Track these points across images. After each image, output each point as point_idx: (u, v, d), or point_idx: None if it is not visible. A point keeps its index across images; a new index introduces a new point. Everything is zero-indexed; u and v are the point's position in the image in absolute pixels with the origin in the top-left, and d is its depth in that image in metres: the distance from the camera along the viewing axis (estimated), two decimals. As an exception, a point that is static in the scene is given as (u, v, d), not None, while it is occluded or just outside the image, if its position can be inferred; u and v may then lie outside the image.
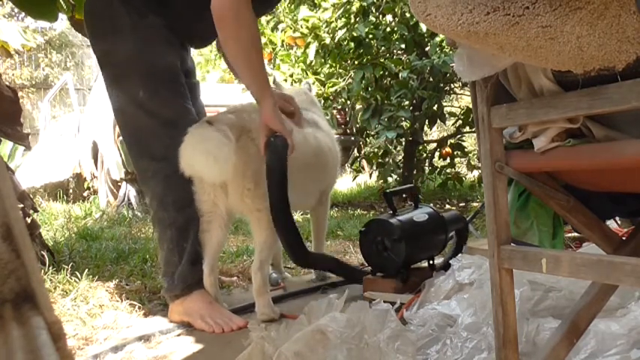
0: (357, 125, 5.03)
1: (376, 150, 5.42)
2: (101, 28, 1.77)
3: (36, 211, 2.70)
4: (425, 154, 5.52)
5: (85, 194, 5.52)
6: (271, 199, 1.63)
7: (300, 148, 1.84)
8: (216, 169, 1.57)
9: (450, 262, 1.70)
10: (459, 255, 1.85)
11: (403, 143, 5.20)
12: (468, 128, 5.11)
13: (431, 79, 4.41)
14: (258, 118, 1.75)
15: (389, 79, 4.74)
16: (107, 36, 1.77)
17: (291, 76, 4.70)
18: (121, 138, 4.55)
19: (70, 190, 5.57)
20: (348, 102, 4.78)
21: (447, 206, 4.87)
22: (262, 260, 1.73)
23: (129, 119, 1.78)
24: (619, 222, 2.15)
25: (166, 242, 1.76)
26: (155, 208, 1.79)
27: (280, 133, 1.62)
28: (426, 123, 4.64)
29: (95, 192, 5.31)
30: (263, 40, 4.82)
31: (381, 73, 4.63)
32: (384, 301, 1.38)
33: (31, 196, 3.44)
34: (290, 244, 1.70)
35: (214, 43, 2.08)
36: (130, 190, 4.70)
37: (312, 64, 4.69)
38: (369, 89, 4.56)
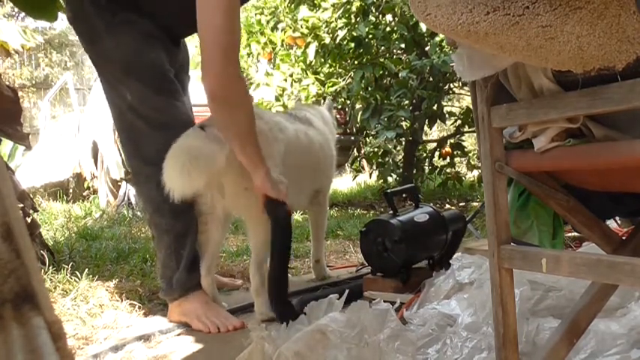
0: (357, 125, 5.03)
1: (376, 150, 5.42)
2: (83, 31, 1.73)
3: (36, 211, 2.70)
4: (425, 154, 5.52)
5: (85, 194, 5.52)
6: (273, 269, 1.64)
7: (291, 144, 1.83)
8: (183, 183, 1.54)
9: (451, 261, 1.70)
10: (459, 255, 1.85)
11: (403, 143, 5.21)
12: (467, 128, 5.12)
13: (431, 79, 4.41)
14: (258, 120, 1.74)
15: (389, 78, 4.75)
16: (89, 40, 1.73)
17: (291, 75, 4.70)
18: (121, 137, 4.55)
19: (70, 190, 5.57)
20: (348, 102, 4.78)
21: (447, 206, 4.87)
22: (259, 260, 1.73)
23: (122, 119, 1.75)
24: (619, 222, 2.15)
25: (164, 248, 1.74)
26: (151, 213, 1.77)
27: (279, 199, 1.62)
28: (426, 123, 4.64)
29: (95, 192, 5.31)
30: (263, 39, 4.82)
31: (381, 72, 4.63)
32: (384, 301, 1.38)
33: (31, 196, 3.44)
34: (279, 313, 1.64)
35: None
36: (129, 190, 4.70)
37: (312, 63, 4.69)
38: (369, 89, 4.56)
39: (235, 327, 1.65)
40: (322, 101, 4.48)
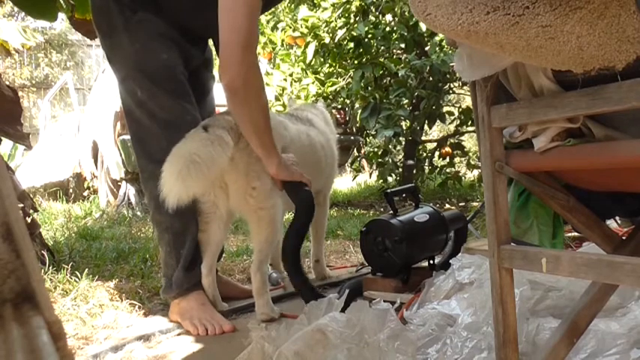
0: (357, 125, 5.03)
1: (376, 149, 5.43)
2: (102, 26, 1.77)
3: (36, 210, 2.70)
4: (425, 154, 5.52)
5: (85, 194, 5.53)
6: (289, 238, 1.71)
7: (293, 144, 1.83)
8: (178, 190, 1.54)
9: (450, 261, 1.70)
10: (459, 255, 1.85)
11: (403, 143, 5.21)
12: (467, 128, 5.12)
13: (430, 79, 4.41)
14: None
15: (388, 78, 4.75)
16: (107, 35, 1.77)
17: (291, 75, 4.70)
18: (120, 137, 4.56)
19: (70, 190, 5.58)
20: (348, 101, 4.78)
21: (447, 206, 4.87)
22: (261, 260, 1.73)
23: (132, 117, 1.78)
24: (619, 222, 2.15)
25: (164, 245, 1.77)
26: (153, 210, 1.79)
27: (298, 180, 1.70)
28: (426, 122, 4.65)
29: (95, 191, 5.31)
30: (263, 39, 4.83)
31: (381, 72, 4.63)
32: (384, 301, 1.38)
33: (31, 195, 3.44)
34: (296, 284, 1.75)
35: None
36: (129, 190, 4.70)
37: (312, 63, 4.70)
38: (369, 88, 4.56)
39: (224, 330, 1.64)
40: (322, 101, 4.48)
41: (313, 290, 1.71)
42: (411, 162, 4.98)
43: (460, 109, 5.22)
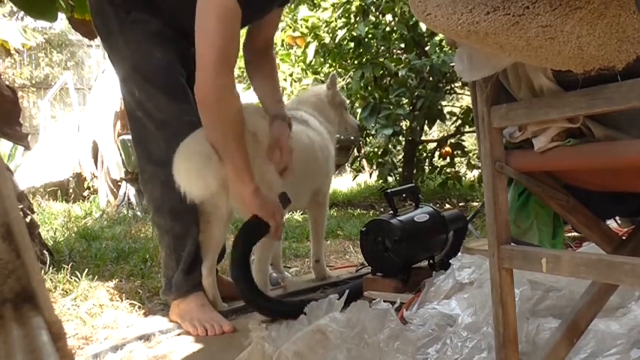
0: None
1: (376, 149, 5.43)
2: (100, 29, 1.78)
3: (33, 212, 2.69)
4: (425, 154, 5.52)
5: (85, 194, 5.53)
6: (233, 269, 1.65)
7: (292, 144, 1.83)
8: (199, 186, 1.57)
9: (450, 261, 1.70)
10: (459, 254, 1.85)
11: (403, 143, 5.21)
12: (467, 128, 5.12)
13: (430, 79, 4.41)
14: (261, 119, 1.74)
15: (388, 78, 4.75)
16: (105, 37, 1.77)
17: (291, 75, 4.70)
18: (120, 138, 4.56)
19: (70, 190, 5.57)
20: (347, 101, 4.78)
21: (447, 206, 4.87)
22: (261, 260, 1.73)
23: (132, 118, 1.78)
24: (619, 222, 2.14)
25: (164, 247, 1.76)
26: (152, 212, 1.80)
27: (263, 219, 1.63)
28: (426, 122, 4.65)
29: (95, 191, 5.32)
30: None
31: (381, 72, 4.63)
32: (384, 301, 1.38)
33: (31, 195, 3.44)
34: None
35: None
36: (129, 190, 4.70)
37: (312, 63, 4.70)
38: (369, 88, 4.56)
39: (224, 331, 1.64)
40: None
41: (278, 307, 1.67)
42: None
43: (461, 109, 5.21)
